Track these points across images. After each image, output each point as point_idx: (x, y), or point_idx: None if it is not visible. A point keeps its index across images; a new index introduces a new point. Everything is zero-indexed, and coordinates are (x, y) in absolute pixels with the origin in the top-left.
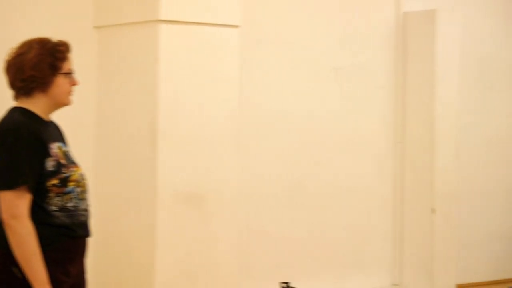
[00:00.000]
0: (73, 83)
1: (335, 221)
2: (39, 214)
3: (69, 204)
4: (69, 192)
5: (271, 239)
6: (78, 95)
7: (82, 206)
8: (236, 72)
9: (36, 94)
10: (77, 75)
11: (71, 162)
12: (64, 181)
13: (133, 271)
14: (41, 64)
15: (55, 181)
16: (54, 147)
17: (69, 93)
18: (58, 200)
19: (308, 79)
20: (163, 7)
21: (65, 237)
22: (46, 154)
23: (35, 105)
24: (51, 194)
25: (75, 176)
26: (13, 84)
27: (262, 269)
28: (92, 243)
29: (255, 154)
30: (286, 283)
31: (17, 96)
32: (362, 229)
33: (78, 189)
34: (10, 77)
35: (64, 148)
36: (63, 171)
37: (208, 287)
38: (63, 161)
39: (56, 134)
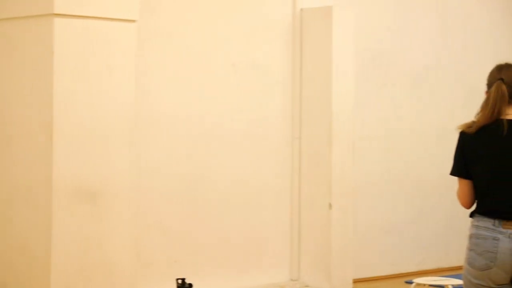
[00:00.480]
0: None
1: (233, 217)
2: None
3: None
4: None
5: (168, 235)
6: None
7: None
8: (132, 67)
9: None
10: None
11: None
12: None
13: (29, 270)
14: None
15: None
16: None
17: None
18: None
19: (206, 74)
20: (58, 1)
21: None
22: None
23: None
24: None
25: None
26: None
27: (159, 266)
28: None
29: (152, 149)
30: (182, 279)
31: None
32: (260, 224)
33: None
34: None
35: None
36: None
37: (104, 285)
38: None
39: None
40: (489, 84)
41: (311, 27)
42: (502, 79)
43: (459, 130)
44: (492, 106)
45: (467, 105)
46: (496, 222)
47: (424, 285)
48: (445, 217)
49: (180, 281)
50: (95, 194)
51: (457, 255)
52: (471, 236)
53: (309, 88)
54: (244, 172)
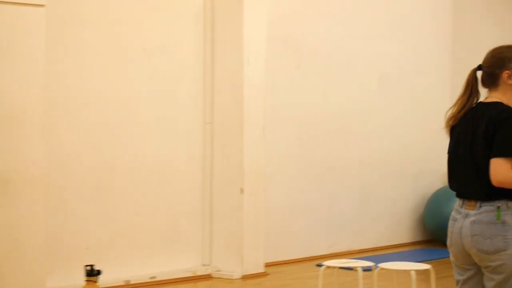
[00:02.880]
0: None
1: (144, 203)
2: None
3: None
4: None
5: (79, 221)
6: None
7: None
8: (41, 52)
9: None
10: None
11: None
12: None
13: None
14: None
15: None
16: None
17: None
18: None
19: (117, 60)
20: None
21: None
22: None
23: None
24: None
25: None
26: None
27: (70, 252)
28: None
29: (64, 136)
30: (91, 265)
31: None
32: (172, 210)
33: None
34: None
35: None
36: None
37: (15, 271)
38: None
39: None
40: None
41: (223, 12)
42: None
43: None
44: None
45: (379, 89)
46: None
47: (334, 267)
48: (356, 201)
49: (88, 268)
50: (6, 181)
51: (368, 238)
52: None
53: (220, 73)
54: (156, 157)
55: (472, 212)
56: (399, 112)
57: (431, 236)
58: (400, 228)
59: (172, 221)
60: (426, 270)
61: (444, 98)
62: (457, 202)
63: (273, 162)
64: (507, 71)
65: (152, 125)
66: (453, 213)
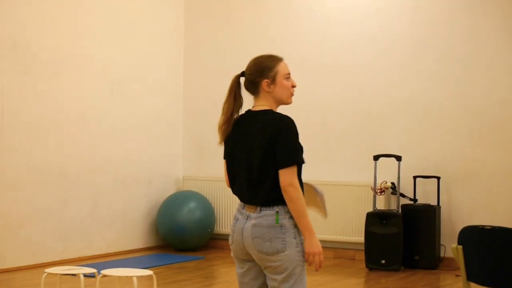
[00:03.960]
0: None
1: None
2: None
3: None
4: None
5: None
6: None
7: None
8: None
9: None
10: None
11: None
12: None
13: None
14: None
15: None
16: None
17: None
18: None
19: None
20: None
21: None
22: None
23: None
24: None
25: None
26: None
27: None
28: None
29: None
30: None
31: None
32: None
33: None
34: None
35: None
36: None
37: None
38: None
39: None
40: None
41: None
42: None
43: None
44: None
45: (112, 94)
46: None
47: (56, 274)
48: (88, 207)
49: None
50: None
51: (101, 244)
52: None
53: None
54: None
55: (253, 215)
56: (132, 118)
57: (164, 242)
58: (133, 233)
59: None
60: (150, 276)
61: (178, 104)
62: (239, 202)
63: (2, 167)
64: (266, 80)
65: None
66: (236, 213)
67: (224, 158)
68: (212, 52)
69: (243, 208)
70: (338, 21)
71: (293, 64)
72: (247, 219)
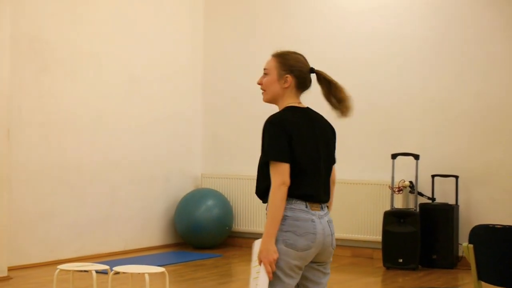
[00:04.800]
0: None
1: None
2: None
3: None
4: None
5: None
6: None
7: None
8: None
9: None
10: None
11: None
12: None
13: None
14: None
15: None
16: None
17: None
18: None
19: None
20: None
21: None
22: None
23: None
24: None
25: None
26: None
27: None
28: None
29: None
30: None
31: None
32: None
33: None
34: None
35: None
36: None
37: None
38: None
39: None
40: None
41: None
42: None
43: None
44: None
45: (129, 91)
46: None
47: (69, 271)
48: (105, 203)
49: None
50: None
51: (118, 241)
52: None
53: None
54: None
55: (321, 212)
56: (149, 115)
57: (182, 239)
58: (150, 231)
59: None
60: (163, 273)
61: (197, 101)
62: (296, 203)
63: (19, 164)
64: None
65: None
66: (304, 215)
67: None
68: (231, 48)
69: (308, 208)
70: (357, 19)
71: (311, 62)
72: (320, 218)
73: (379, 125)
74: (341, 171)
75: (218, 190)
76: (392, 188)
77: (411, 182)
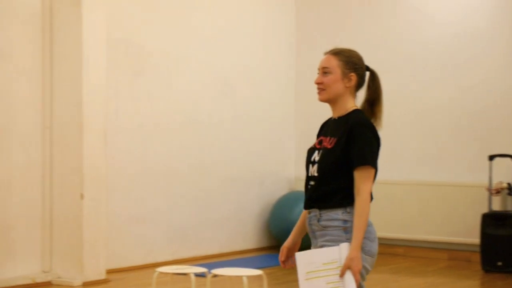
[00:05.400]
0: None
1: None
2: None
3: None
4: None
5: None
6: None
7: None
8: None
9: None
10: None
11: None
12: None
13: None
14: None
15: None
16: None
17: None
18: None
19: None
20: None
21: None
22: None
23: None
24: None
25: None
26: None
27: None
28: None
29: None
30: None
31: None
32: (10, 216)
33: None
34: None
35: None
36: None
37: None
38: None
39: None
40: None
41: (61, 13)
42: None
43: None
44: None
45: (222, 94)
46: None
47: (168, 273)
48: (199, 207)
49: None
50: None
51: (213, 244)
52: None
53: (59, 76)
54: None
55: None
56: (242, 118)
57: (276, 242)
58: (245, 234)
59: (11, 227)
60: (260, 276)
61: (289, 104)
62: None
63: (115, 167)
64: None
65: None
66: (370, 220)
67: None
68: (323, 50)
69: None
70: (452, 20)
71: (401, 64)
72: None
73: (475, 126)
74: (436, 173)
75: None
76: (489, 190)
77: (509, 183)
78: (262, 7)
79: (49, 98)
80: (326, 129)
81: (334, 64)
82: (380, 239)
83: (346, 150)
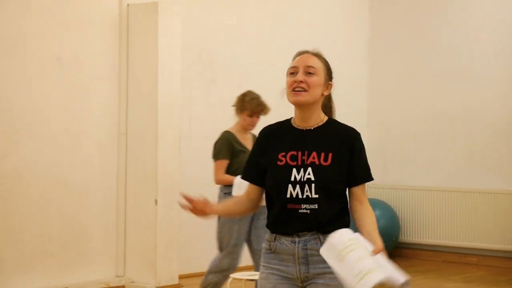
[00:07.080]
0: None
1: (55, 214)
2: None
3: None
4: None
5: None
6: None
7: None
8: None
9: None
10: None
11: None
12: None
13: None
14: None
15: None
16: None
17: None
18: None
19: (30, 69)
20: None
21: None
22: None
23: None
24: None
25: None
26: None
27: None
28: None
29: None
30: None
31: None
32: (85, 221)
33: None
34: None
35: None
36: None
37: None
38: None
39: None
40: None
41: (138, 23)
42: None
43: None
44: None
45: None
46: None
47: (241, 279)
48: None
49: None
50: None
51: None
52: None
53: (135, 84)
54: (68, 168)
55: None
56: None
57: None
58: None
59: (86, 232)
60: None
61: (362, 113)
62: None
63: (188, 174)
64: None
65: (65, 135)
66: None
67: None
68: (397, 58)
69: None
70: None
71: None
72: None
73: None
74: (501, 181)
75: (385, 201)
76: None
77: None
78: (335, 18)
79: (124, 105)
80: (290, 140)
81: (320, 66)
82: (453, 248)
83: (347, 166)
